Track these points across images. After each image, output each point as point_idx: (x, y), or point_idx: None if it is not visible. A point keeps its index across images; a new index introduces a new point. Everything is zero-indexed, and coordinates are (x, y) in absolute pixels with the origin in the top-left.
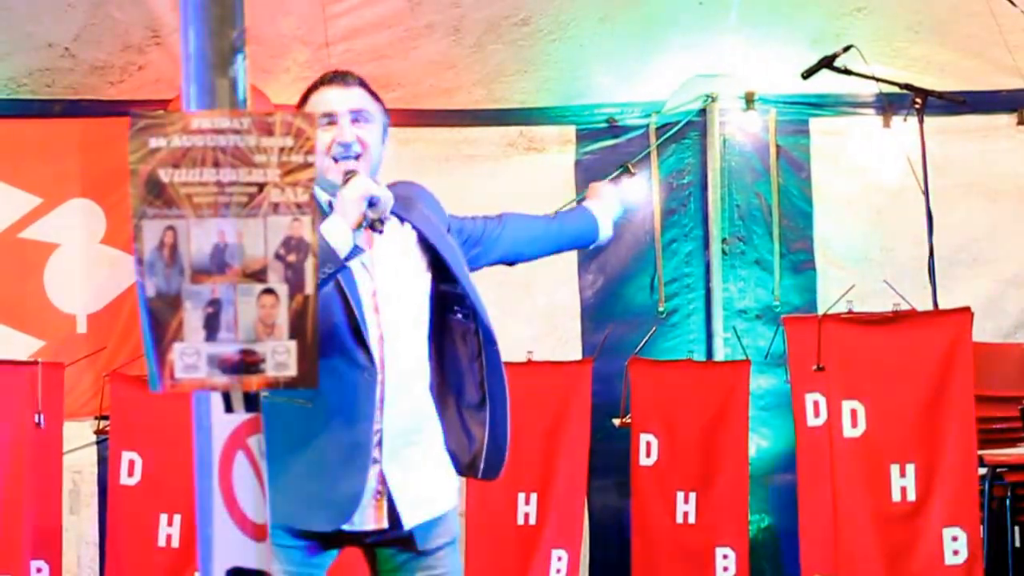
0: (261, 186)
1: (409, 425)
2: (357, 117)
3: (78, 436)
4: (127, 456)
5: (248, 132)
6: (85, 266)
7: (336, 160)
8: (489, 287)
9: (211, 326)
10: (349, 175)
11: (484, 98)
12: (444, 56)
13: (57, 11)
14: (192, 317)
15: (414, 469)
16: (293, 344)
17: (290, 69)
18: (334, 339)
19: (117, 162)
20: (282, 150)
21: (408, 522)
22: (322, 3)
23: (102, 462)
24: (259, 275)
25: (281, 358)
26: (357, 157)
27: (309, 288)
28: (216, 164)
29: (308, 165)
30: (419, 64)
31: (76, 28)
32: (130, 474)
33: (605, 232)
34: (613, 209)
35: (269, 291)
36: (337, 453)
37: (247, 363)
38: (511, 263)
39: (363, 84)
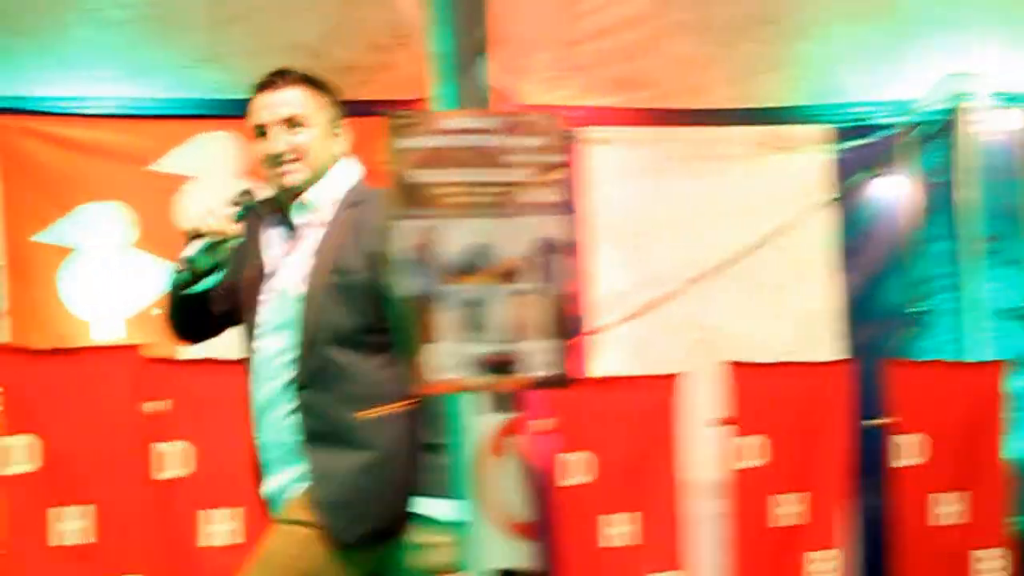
0: (513, 186)
1: (273, 435)
2: (286, 126)
3: None
4: None
5: (498, 132)
6: None
7: (274, 167)
8: (746, 287)
9: (466, 327)
10: (243, 196)
11: (734, 97)
12: (693, 54)
13: (303, 11)
14: (447, 318)
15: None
16: (550, 344)
17: (537, 69)
18: None
19: (367, 162)
20: (532, 150)
21: None
22: (569, 2)
23: None
24: (513, 275)
25: (538, 358)
26: (293, 162)
27: (565, 288)
28: (467, 164)
29: (559, 165)
30: (667, 63)
31: (324, 28)
32: None
33: None
34: None
35: (524, 291)
36: None
37: (503, 363)
38: None
39: (300, 81)
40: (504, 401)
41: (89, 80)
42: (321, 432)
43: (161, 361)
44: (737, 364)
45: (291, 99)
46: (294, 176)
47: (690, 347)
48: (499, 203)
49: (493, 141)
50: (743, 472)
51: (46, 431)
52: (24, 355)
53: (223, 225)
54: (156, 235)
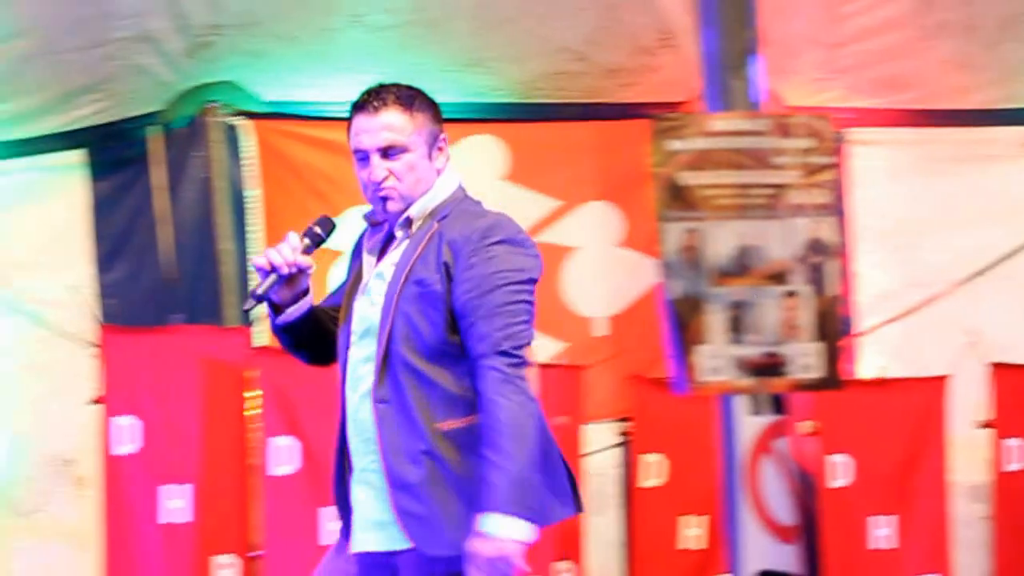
0: (782, 188)
1: (360, 443)
2: (386, 152)
3: (601, 438)
4: (648, 459)
5: (767, 134)
6: (603, 269)
7: (377, 193)
8: (1011, 288)
9: (735, 328)
10: (321, 225)
11: (999, 97)
12: (958, 55)
13: (569, 15)
14: (715, 319)
15: (371, 490)
16: (819, 346)
17: (803, 71)
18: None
19: (633, 164)
20: (802, 151)
21: (352, 545)
22: (834, 3)
23: (624, 464)
24: (782, 277)
25: (806, 360)
26: (394, 188)
27: (833, 289)
28: (736, 166)
29: (828, 166)
30: (932, 63)
31: (588, 31)
32: (654, 476)
33: None
34: None
35: (792, 293)
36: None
37: (772, 365)
38: None
39: (398, 101)
40: (772, 403)
41: (353, 85)
42: (400, 443)
43: None
44: (1001, 366)
45: (390, 123)
46: (396, 203)
47: (955, 349)
48: (768, 205)
49: (762, 143)
50: (1008, 475)
51: (304, 432)
52: (282, 357)
53: (294, 257)
54: None
